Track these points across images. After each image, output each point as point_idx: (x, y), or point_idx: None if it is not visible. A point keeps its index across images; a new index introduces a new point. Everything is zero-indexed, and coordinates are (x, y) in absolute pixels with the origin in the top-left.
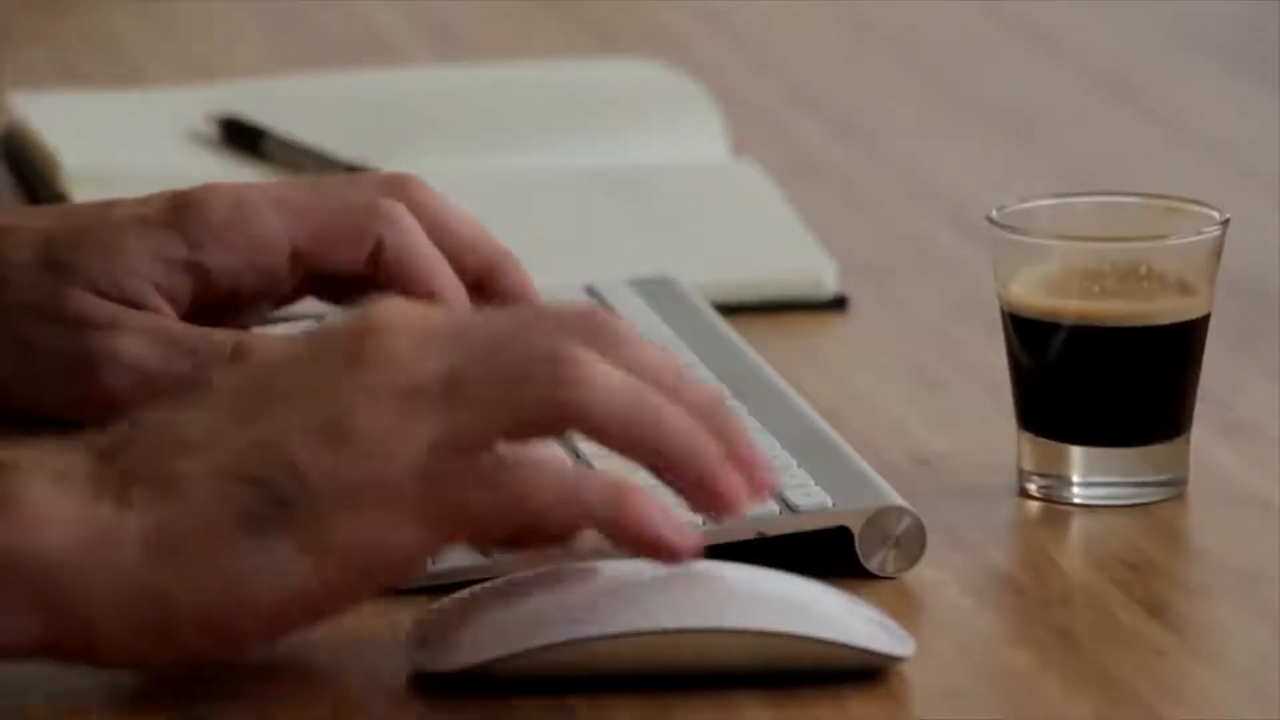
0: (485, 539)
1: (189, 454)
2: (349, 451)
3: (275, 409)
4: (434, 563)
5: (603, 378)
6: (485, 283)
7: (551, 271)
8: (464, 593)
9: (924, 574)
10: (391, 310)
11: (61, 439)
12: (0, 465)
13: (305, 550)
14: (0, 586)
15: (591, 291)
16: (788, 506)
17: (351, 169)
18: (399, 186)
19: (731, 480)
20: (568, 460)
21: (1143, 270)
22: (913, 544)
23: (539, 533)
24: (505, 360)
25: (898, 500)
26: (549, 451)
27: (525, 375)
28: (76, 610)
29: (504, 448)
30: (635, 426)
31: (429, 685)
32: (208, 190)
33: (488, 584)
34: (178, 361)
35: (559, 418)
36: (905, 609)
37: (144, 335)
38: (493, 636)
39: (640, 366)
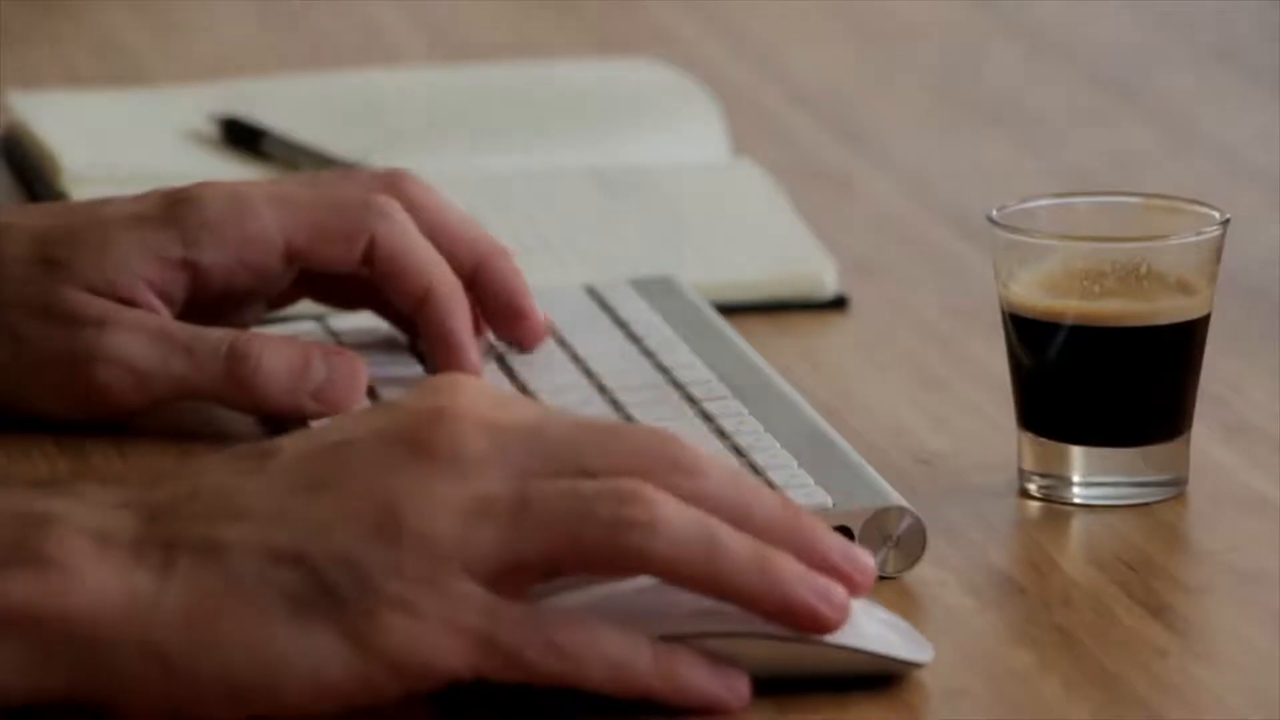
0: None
1: (241, 525)
2: (407, 554)
3: (337, 490)
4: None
5: (665, 520)
6: (477, 276)
7: (552, 271)
8: None
9: (924, 574)
10: (464, 396)
11: (108, 485)
12: (43, 519)
13: (348, 642)
14: (27, 643)
15: (591, 291)
16: None
17: (350, 169)
18: (394, 182)
19: (812, 596)
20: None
21: (1143, 270)
22: (913, 544)
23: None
24: (575, 490)
25: (898, 500)
26: (608, 615)
27: (592, 512)
28: (102, 674)
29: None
30: (699, 567)
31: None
32: (202, 187)
33: None
34: (172, 360)
35: (621, 559)
36: (905, 609)
37: (137, 333)
38: None
39: (707, 496)
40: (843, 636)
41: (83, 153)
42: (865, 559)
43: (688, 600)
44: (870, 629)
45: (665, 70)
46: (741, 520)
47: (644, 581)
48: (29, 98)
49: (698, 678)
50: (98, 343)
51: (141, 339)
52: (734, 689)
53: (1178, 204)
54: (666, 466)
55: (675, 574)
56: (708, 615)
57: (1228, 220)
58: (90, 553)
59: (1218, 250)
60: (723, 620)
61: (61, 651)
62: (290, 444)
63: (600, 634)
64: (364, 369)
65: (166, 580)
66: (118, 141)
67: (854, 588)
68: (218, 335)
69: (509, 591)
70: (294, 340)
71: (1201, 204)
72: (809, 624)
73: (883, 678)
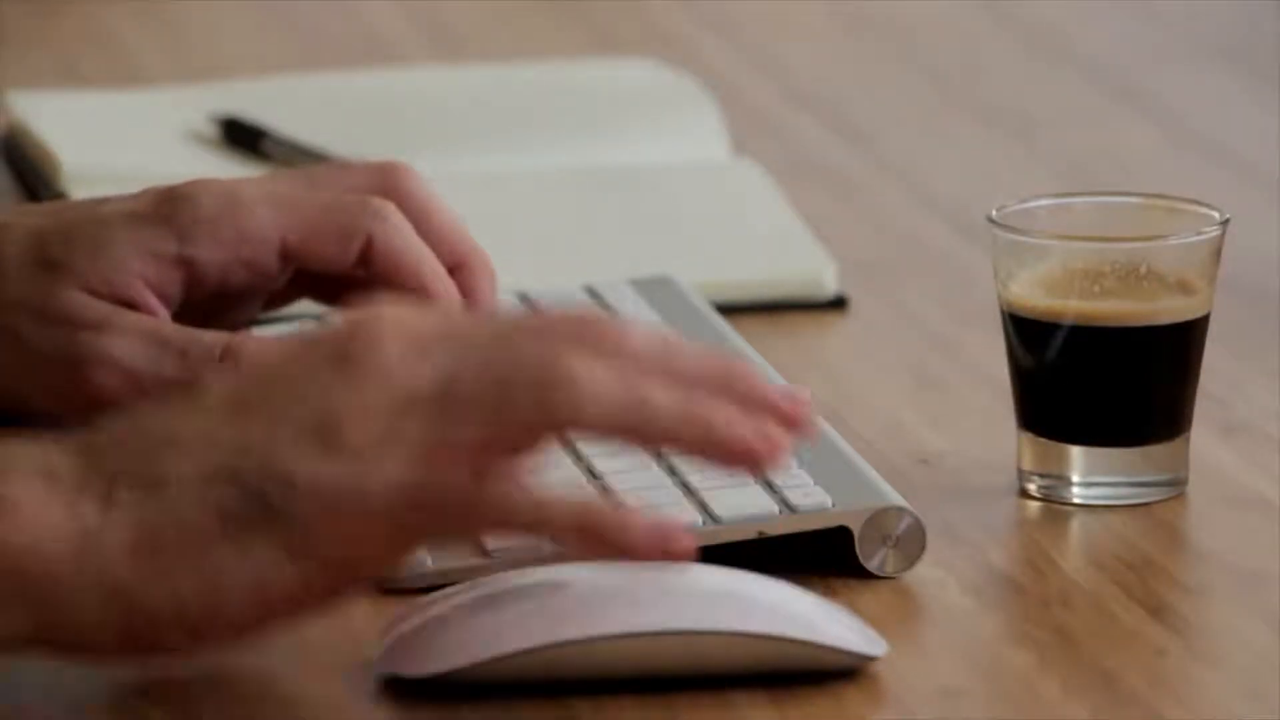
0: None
1: (176, 454)
2: (337, 459)
3: (265, 412)
4: (411, 566)
5: (589, 379)
6: (452, 278)
7: (552, 271)
8: (439, 595)
9: (924, 574)
10: (382, 314)
11: (54, 436)
12: None
13: (288, 554)
14: None
15: (591, 291)
16: (788, 506)
17: None
18: (389, 174)
19: (748, 434)
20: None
21: (1143, 270)
22: (912, 544)
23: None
24: (496, 367)
25: (898, 500)
26: (527, 476)
27: (514, 382)
28: (63, 608)
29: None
30: (625, 416)
31: (427, 687)
32: (198, 185)
33: (462, 588)
34: (167, 363)
35: (550, 422)
36: (905, 609)
37: (134, 336)
38: (463, 643)
39: (633, 354)
40: (804, 632)
41: (83, 153)
42: (800, 393)
43: (644, 601)
44: (828, 625)
45: (665, 70)
46: (670, 373)
47: (637, 577)
48: (29, 98)
49: (621, 529)
50: (95, 346)
51: (138, 342)
52: (671, 538)
53: (1177, 204)
54: (586, 336)
55: (606, 430)
56: (701, 613)
57: (1228, 220)
58: (41, 490)
59: (1218, 250)
60: (681, 619)
61: (21, 592)
62: (214, 377)
63: (521, 491)
64: None
65: (109, 515)
66: (118, 141)
67: (791, 423)
68: (212, 338)
69: (441, 476)
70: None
71: (1201, 204)
72: (747, 462)
73: (882, 679)
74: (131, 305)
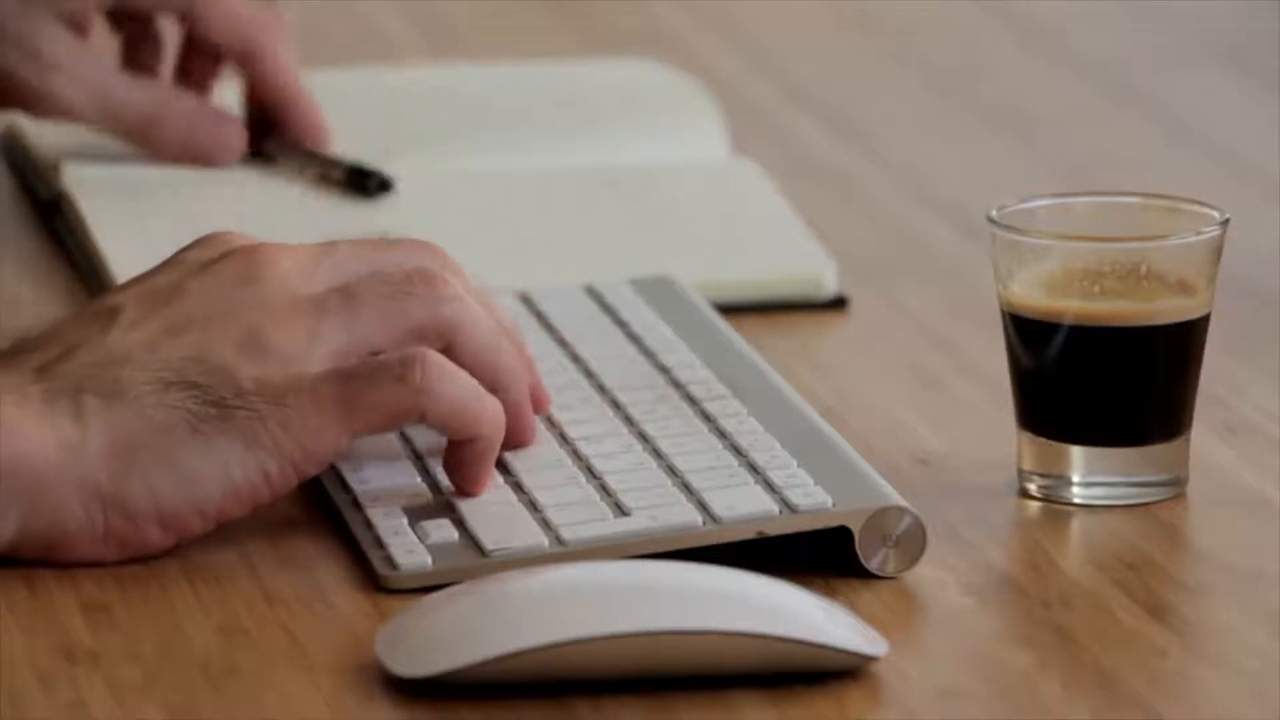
0: (396, 427)
1: (130, 369)
2: (270, 362)
3: (196, 330)
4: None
5: (464, 294)
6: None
7: (552, 272)
8: (439, 595)
9: (924, 574)
10: (245, 238)
11: None
12: None
13: (245, 445)
14: None
15: (592, 291)
16: (788, 506)
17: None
18: None
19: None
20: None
21: (1143, 270)
22: (913, 544)
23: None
24: (389, 277)
25: (898, 500)
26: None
27: (411, 290)
28: (47, 515)
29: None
30: (488, 349)
31: (427, 687)
32: None
33: (462, 588)
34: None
35: (439, 329)
36: (905, 609)
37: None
38: (463, 643)
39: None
40: (806, 632)
41: (83, 153)
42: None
43: (680, 598)
44: (829, 626)
45: (665, 70)
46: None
47: (637, 577)
48: None
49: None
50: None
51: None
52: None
53: (1177, 204)
54: (439, 264)
55: (472, 347)
56: (701, 613)
57: (1228, 220)
58: (14, 409)
59: (1218, 250)
60: (717, 619)
61: (15, 492)
62: (125, 299)
63: (441, 361)
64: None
65: (83, 422)
66: (118, 141)
67: (540, 405)
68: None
69: (365, 364)
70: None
71: (1201, 204)
72: (524, 427)
73: (883, 679)
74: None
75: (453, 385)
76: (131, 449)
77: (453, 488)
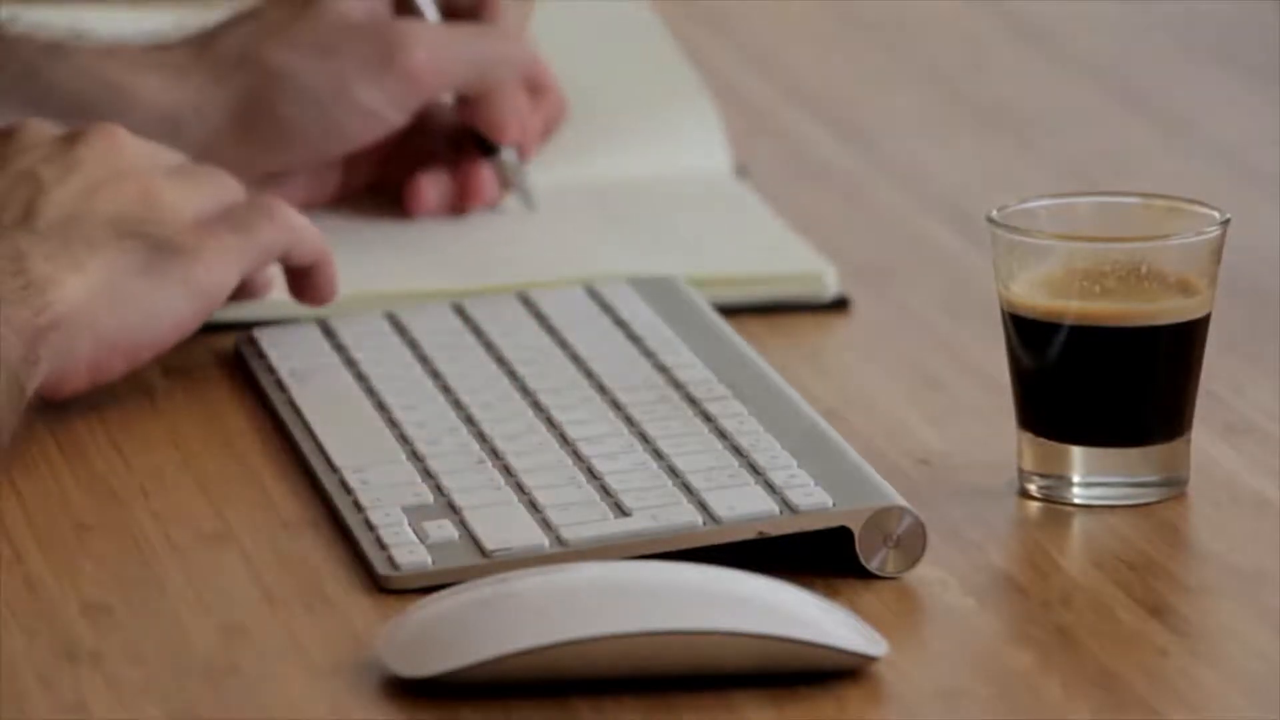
0: (270, 261)
1: (87, 228)
2: (167, 214)
3: (96, 194)
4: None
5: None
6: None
7: (551, 272)
8: (439, 595)
9: (924, 574)
10: (101, 124)
11: None
12: (11, 254)
13: (183, 286)
14: (45, 345)
15: (591, 291)
16: (788, 506)
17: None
18: None
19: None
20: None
21: (1143, 270)
22: (913, 544)
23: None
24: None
25: (898, 500)
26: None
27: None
28: (66, 356)
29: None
30: (315, 234)
31: (427, 687)
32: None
33: (462, 588)
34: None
35: (276, 224)
36: (905, 609)
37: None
38: (463, 643)
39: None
40: (807, 632)
41: None
42: None
43: (680, 598)
44: (830, 626)
45: (665, 71)
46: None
47: (637, 577)
48: None
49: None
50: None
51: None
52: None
53: (1178, 204)
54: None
55: (302, 242)
56: (701, 613)
57: (1228, 220)
58: (49, 261)
59: (1218, 250)
60: (717, 619)
61: (48, 344)
62: (28, 166)
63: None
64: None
65: (80, 275)
66: None
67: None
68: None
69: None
70: None
71: (1201, 204)
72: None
73: (883, 679)
74: None
75: (300, 218)
76: (117, 296)
77: (309, 304)
